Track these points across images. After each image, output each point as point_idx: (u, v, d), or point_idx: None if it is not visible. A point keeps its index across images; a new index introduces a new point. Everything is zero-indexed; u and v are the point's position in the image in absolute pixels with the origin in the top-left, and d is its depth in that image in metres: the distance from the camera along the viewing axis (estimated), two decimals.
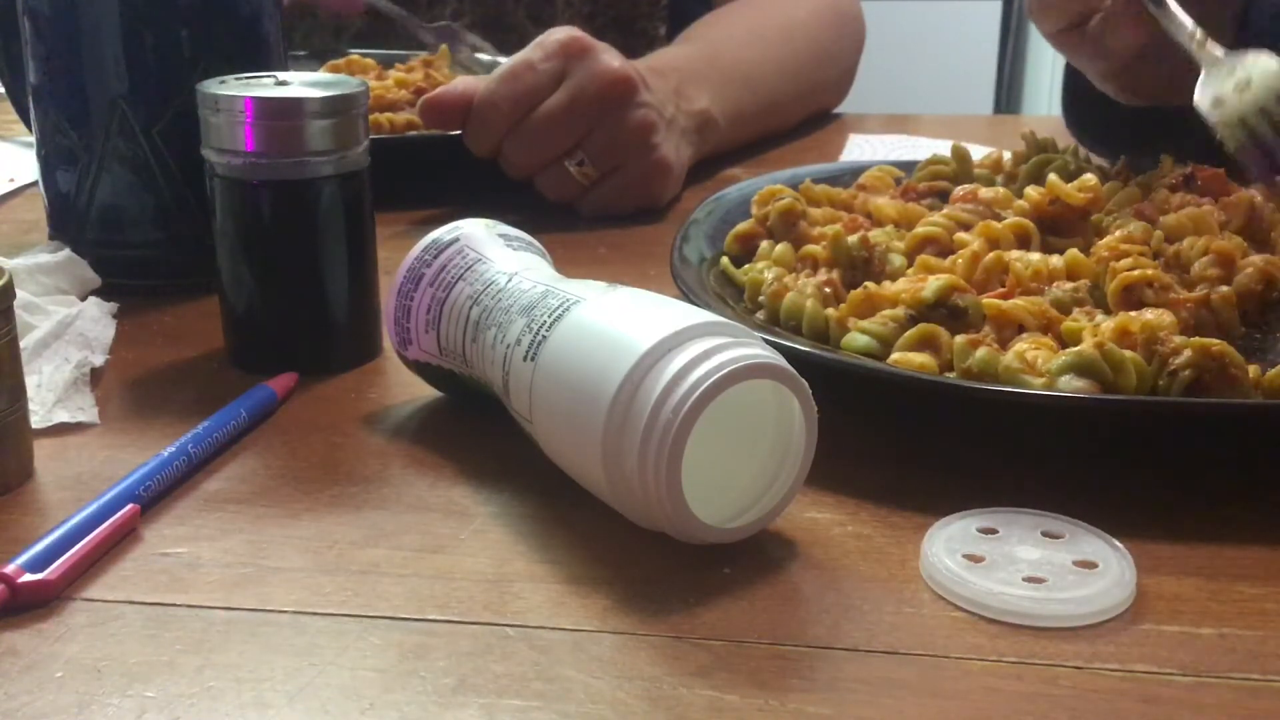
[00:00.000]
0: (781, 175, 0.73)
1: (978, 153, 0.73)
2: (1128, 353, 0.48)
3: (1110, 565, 0.41)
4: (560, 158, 0.80)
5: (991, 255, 0.56)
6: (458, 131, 0.81)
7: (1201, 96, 0.65)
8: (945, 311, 0.53)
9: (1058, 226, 0.62)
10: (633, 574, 0.41)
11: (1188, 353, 0.47)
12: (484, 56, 1.04)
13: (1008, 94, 2.91)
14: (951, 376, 0.50)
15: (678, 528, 0.41)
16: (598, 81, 0.79)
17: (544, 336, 0.44)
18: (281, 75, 0.58)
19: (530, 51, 0.80)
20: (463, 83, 0.82)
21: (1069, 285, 0.55)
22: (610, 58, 0.80)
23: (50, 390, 0.53)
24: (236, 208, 0.56)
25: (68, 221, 0.68)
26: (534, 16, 0.87)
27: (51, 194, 0.69)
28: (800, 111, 1.06)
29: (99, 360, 0.57)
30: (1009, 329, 0.52)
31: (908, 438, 0.51)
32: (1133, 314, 0.51)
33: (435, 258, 0.52)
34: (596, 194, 0.81)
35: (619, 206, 0.82)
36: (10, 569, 0.40)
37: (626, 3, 1.18)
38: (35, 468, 0.49)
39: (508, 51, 0.91)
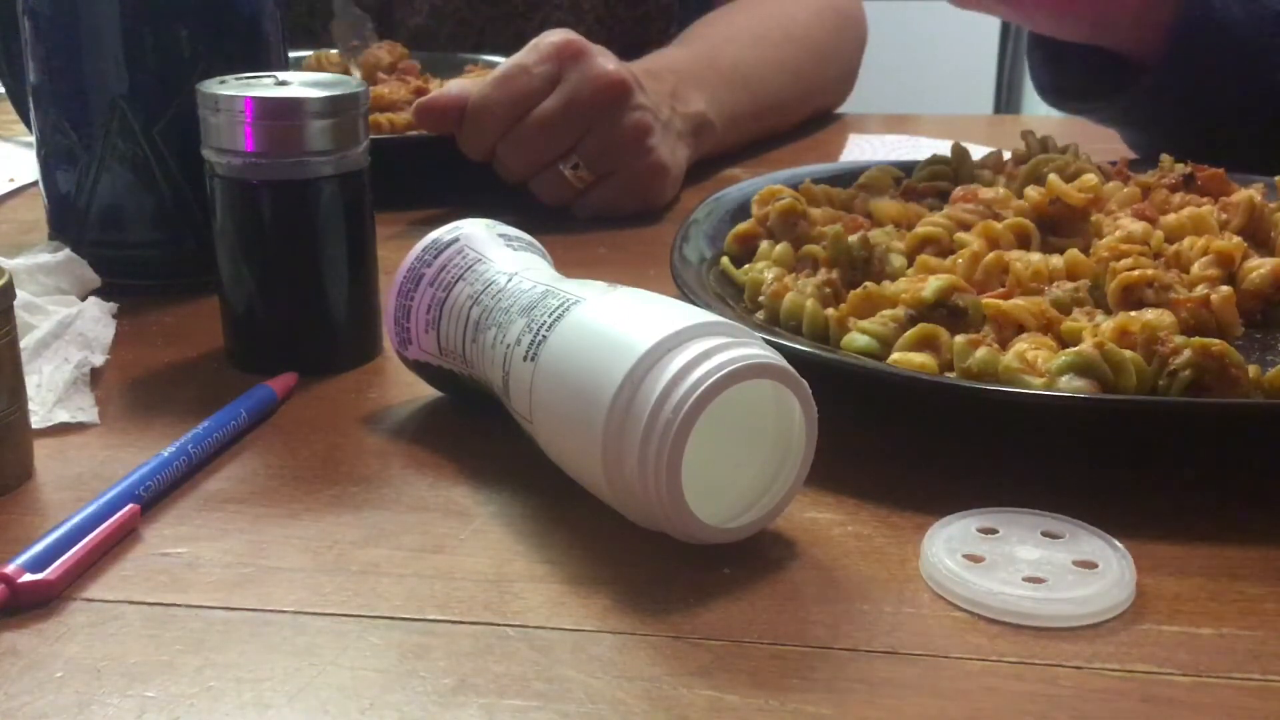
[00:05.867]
0: (781, 175, 0.73)
1: (978, 153, 0.73)
2: (1128, 353, 0.48)
3: (1110, 565, 0.41)
4: (555, 162, 0.80)
5: (991, 255, 0.56)
6: (453, 134, 0.81)
7: None
8: (945, 311, 0.53)
9: (1058, 226, 0.62)
10: (633, 574, 0.41)
11: (1188, 353, 0.47)
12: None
13: (1008, 94, 2.91)
14: (951, 376, 0.50)
15: (678, 528, 0.41)
16: (592, 85, 0.79)
17: (544, 336, 0.44)
18: (281, 75, 0.58)
19: (524, 55, 0.80)
20: (457, 85, 0.81)
21: (1069, 285, 0.55)
22: (605, 60, 0.80)
23: (50, 390, 0.53)
24: (236, 208, 0.56)
25: (68, 221, 0.68)
26: None
27: (51, 194, 0.69)
28: (801, 112, 1.06)
29: (99, 360, 0.57)
30: (1009, 329, 0.52)
31: (908, 438, 0.51)
32: (1133, 314, 0.51)
33: (435, 258, 0.52)
34: (592, 197, 0.81)
35: (615, 209, 0.81)
36: (10, 569, 0.40)
37: (639, 29, 1.18)
38: (35, 468, 0.49)
39: None
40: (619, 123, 0.80)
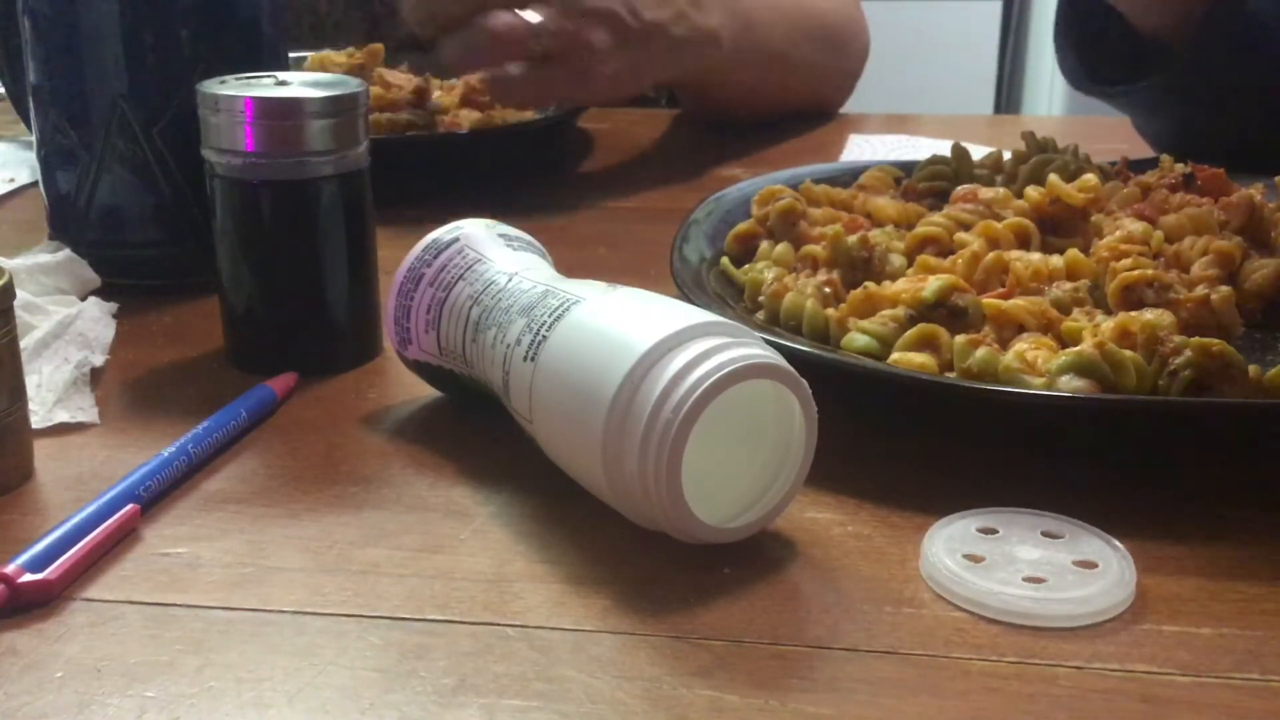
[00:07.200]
0: (781, 175, 0.73)
1: (978, 153, 0.73)
2: (1128, 353, 0.48)
3: (1110, 565, 0.41)
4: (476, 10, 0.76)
5: (991, 255, 0.56)
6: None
7: None
8: (945, 311, 0.53)
9: (1058, 226, 0.62)
10: (633, 574, 0.41)
11: (1188, 353, 0.47)
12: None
13: (1008, 94, 2.91)
14: (951, 376, 0.50)
15: (678, 528, 0.41)
16: None
17: (544, 336, 0.44)
18: (281, 75, 0.58)
19: None
20: None
21: (1069, 285, 0.55)
22: None
23: (50, 390, 0.53)
24: (236, 208, 0.56)
25: (68, 221, 0.68)
26: None
27: (51, 194, 0.69)
28: (803, 87, 1.05)
29: (99, 360, 0.57)
30: (1009, 329, 0.52)
31: (908, 438, 0.51)
32: (1133, 314, 0.51)
33: (435, 258, 0.52)
34: (514, 83, 0.78)
35: (527, 98, 0.79)
36: (10, 569, 0.40)
37: None
38: (35, 468, 0.49)
39: None
40: (569, 13, 0.77)
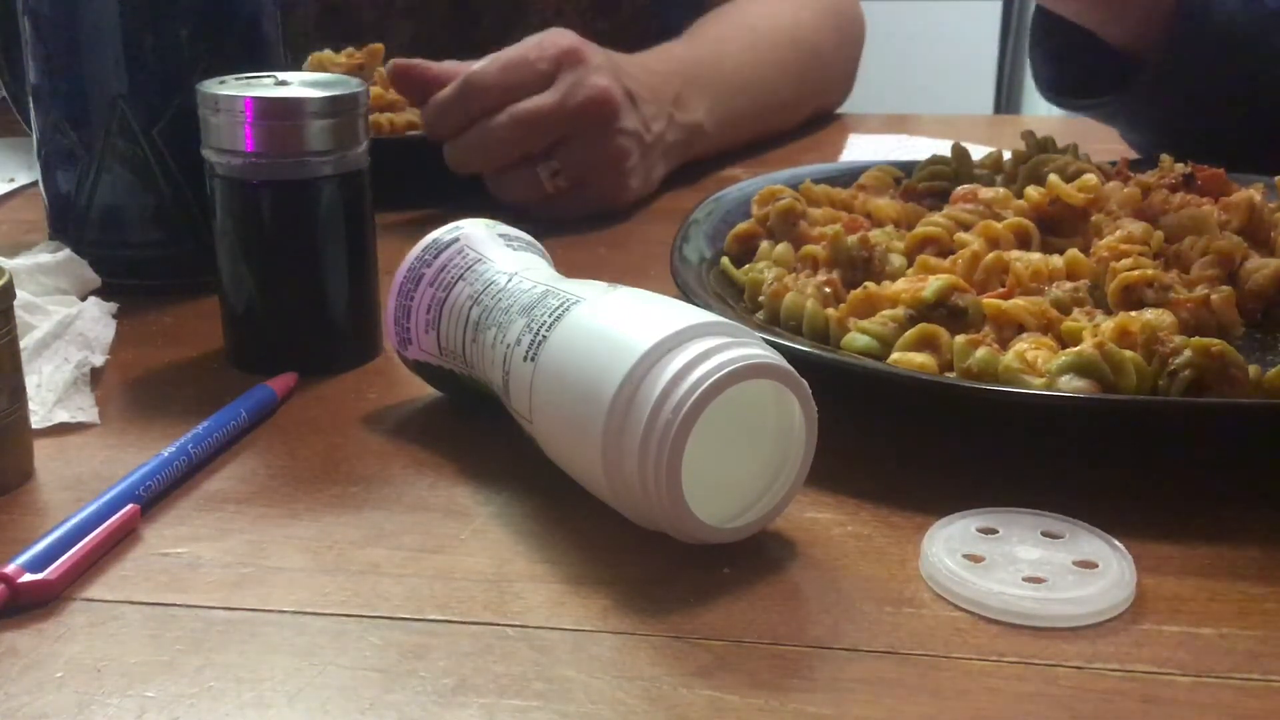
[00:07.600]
0: (781, 175, 0.73)
1: (978, 153, 0.73)
2: (1128, 353, 0.48)
3: (1110, 565, 0.41)
4: (520, 160, 0.79)
5: (991, 255, 0.56)
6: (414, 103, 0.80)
7: None
8: (945, 311, 0.53)
9: (1058, 226, 0.62)
10: (633, 574, 0.41)
11: (1188, 353, 0.47)
12: None
13: (1008, 94, 2.91)
14: (951, 376, 0.50)
15: (678, 528, 0.41)
16: (584, 94, 0.79)
17: (544, 336, 0.44)
18: (281, 75, 0.58)
19: (529, 49, 0.80)
20: (448, 64, 0.81)
21: (1069, 285, 0.55)
22: (600, 76, 0.80)
23: (50, 390, 0.53)
24: (236, 208, 0.56)
25: (68, 221, 0.68)
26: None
27: (51, 194, 0.69)
28: (800, 114, 1.06)
29: (99, 360, 0.57)
30: (1009, 329, 0.52)
31: (908, 438, 0.51)
32: (1133, 314, 0.51)
33: (435, 258, 0.52)
34: (555, 204, 0.81)
35: (571, 216, 0.81)
36: (10, 569, 0.40)
37: (616, 38, 1.17)
38: (35, 468, 0.49)
39: None
40: (599, 142, 0.80)
